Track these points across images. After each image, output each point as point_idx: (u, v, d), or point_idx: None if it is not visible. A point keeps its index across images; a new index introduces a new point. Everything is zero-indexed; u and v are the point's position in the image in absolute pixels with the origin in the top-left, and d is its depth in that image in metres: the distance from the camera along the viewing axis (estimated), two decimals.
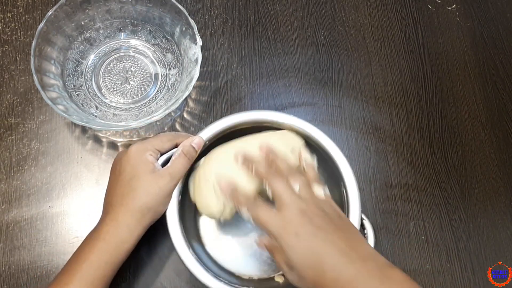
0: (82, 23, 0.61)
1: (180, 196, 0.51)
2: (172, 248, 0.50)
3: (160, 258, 0.57)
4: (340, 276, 0.41)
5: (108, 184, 0.51)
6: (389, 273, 0.41)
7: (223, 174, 0.49)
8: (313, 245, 0.42)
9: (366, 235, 0.54)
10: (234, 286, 0.48)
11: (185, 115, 0.64)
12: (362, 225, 0.53)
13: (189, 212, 0.56)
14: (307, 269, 0.42)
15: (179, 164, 0.50)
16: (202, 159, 0.52)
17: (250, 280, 0.55)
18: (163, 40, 0.64)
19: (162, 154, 0.51)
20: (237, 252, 0.57)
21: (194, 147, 0.51)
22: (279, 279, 0.55)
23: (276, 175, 0.46)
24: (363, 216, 0.53)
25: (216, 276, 0.48)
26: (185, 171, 0.51)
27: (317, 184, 0.48)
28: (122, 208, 0.47)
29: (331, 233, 0.43)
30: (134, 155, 0.49)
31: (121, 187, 0.48)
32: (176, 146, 0.52)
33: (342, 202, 0.53)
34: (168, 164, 0.50)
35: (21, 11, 0.66)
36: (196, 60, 0.57)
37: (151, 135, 0.63)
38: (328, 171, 0.55)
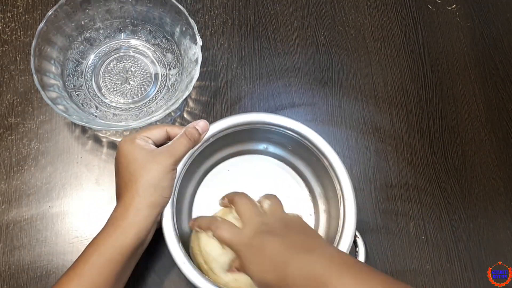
0: (82, 23, 0.61)
1: (175, 198, 0.50)
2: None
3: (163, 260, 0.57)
4: (307, 272, 0.41)
5: (115, 184, 0.51)
6: (357, 267, 0.42)
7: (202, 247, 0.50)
8: (267, 248, 0.44)
9: (357, 253, 0.53)
10: None
11: (185, 115, 0.64)
12: (354, 241, 0.52)
13: (184, 217, 0.56)
14: (267, 274, 0.43)
15: (179, 144, 0.50)
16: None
17: None
18: (163, 40, 0.64)
19: (154, 143, 0.50)
20: None
21: (197, 129, 0.51)
22: None
23: (241, 197, 0.49)
24: (357, 234, 0.52)
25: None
26: (186, 151, 0.50)
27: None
28: (127, 193, 0.47)
29: (289, 236, 0.45)
30: (124, 146, 0.48)
31: (123, 177, 0.48)
32: (167, 136, 0.51)
33: (337, 213, 0.52)
34: (168, 143, 0.50)
35: (21, 11, 0.66)
36: (196, 60, 0.57)
37: None
38: (326, 181, 0.55)
